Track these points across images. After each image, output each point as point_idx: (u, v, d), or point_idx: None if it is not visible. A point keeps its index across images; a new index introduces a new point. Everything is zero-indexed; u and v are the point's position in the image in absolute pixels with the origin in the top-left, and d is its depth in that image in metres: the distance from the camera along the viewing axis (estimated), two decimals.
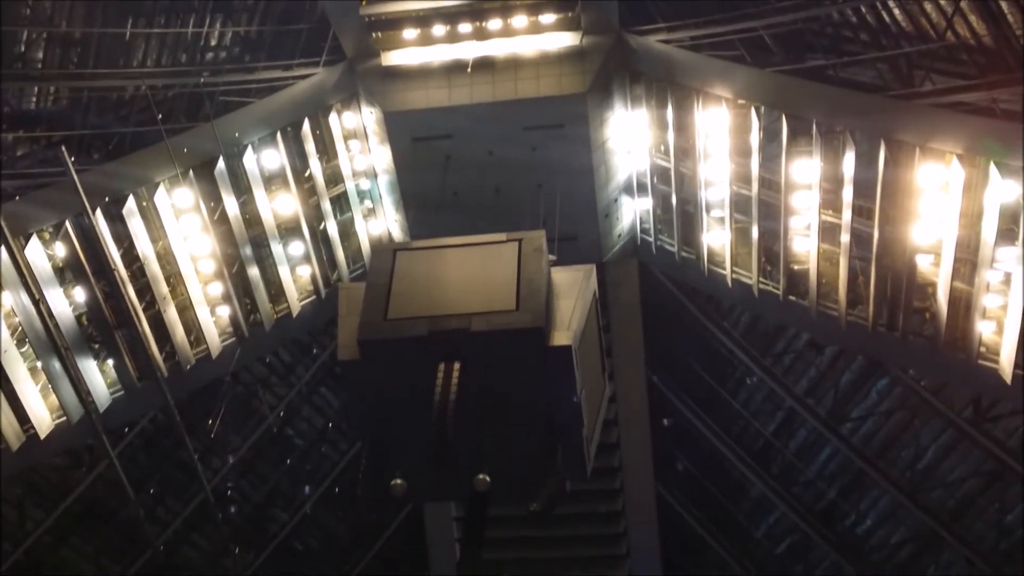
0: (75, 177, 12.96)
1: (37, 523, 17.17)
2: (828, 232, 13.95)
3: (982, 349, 13.05)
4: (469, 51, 14.73)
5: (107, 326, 14.26)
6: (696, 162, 14.82)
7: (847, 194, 13.39)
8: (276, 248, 15.37)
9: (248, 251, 15.13)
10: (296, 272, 15.79)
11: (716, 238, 15.35)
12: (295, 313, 15.77)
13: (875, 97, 13.33)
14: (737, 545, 18.81)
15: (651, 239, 16.21)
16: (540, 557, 17.48)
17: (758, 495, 18.40)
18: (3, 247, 13.09)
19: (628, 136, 15.52)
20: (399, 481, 6.96)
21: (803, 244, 14.31)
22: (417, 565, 18.18)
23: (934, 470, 16.87)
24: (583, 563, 18.09)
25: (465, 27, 14.73)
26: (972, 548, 16.63)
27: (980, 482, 16.63)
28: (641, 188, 16.03)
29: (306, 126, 15.31)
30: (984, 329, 12.99)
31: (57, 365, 14.01)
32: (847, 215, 13.49)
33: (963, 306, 13.08)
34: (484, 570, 7.91)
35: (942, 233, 12.80)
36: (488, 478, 6.85)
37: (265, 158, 15.12)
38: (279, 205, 15.41)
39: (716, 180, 14.85)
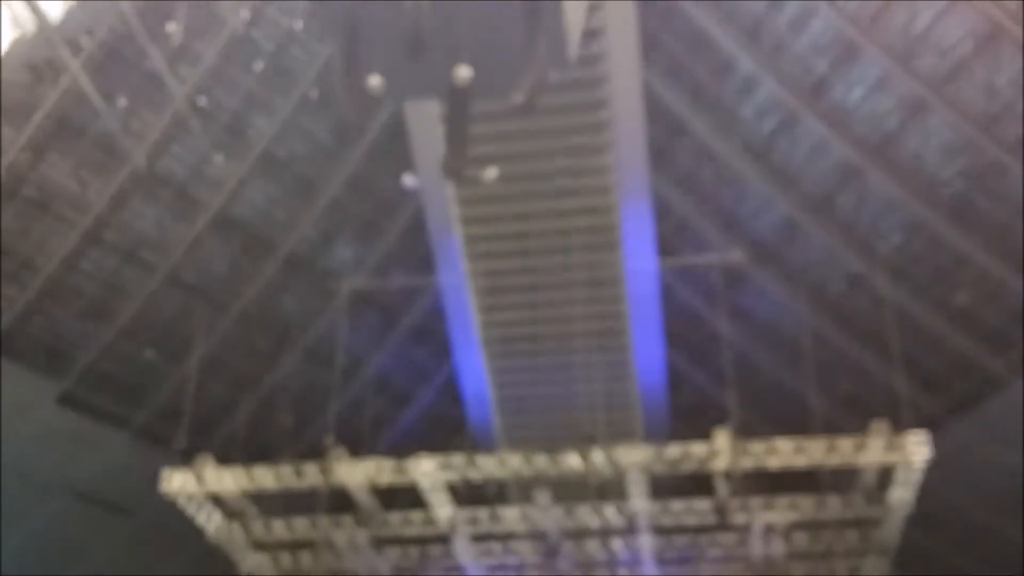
0: None
1: (11, 142, 16.96)
2: None
3: None
4: None
5: None
6: None
7: None
8: None
9: None
10: None
11: None
12: None
13: None
14: (724, 125, 18.71)
15: None
16: (524, 150, 17.36)
17: (746, 73, 18.00)
18: None
19: None
20: (377, 79, 6.63)
21: None
22: (402, 163, 18.10)
23: (928, 35, 16.38)
24: (567, 152, 17.98)
25: None
26: (960, 112, 16.61)
27: (974, 44, 16.21)
28: None
29: None
30: None
31: None
32: None
33: None
34: (469, 166, 7.74)
35: None
36: (468, 70, 6.48)
37: None
38: None
39: None
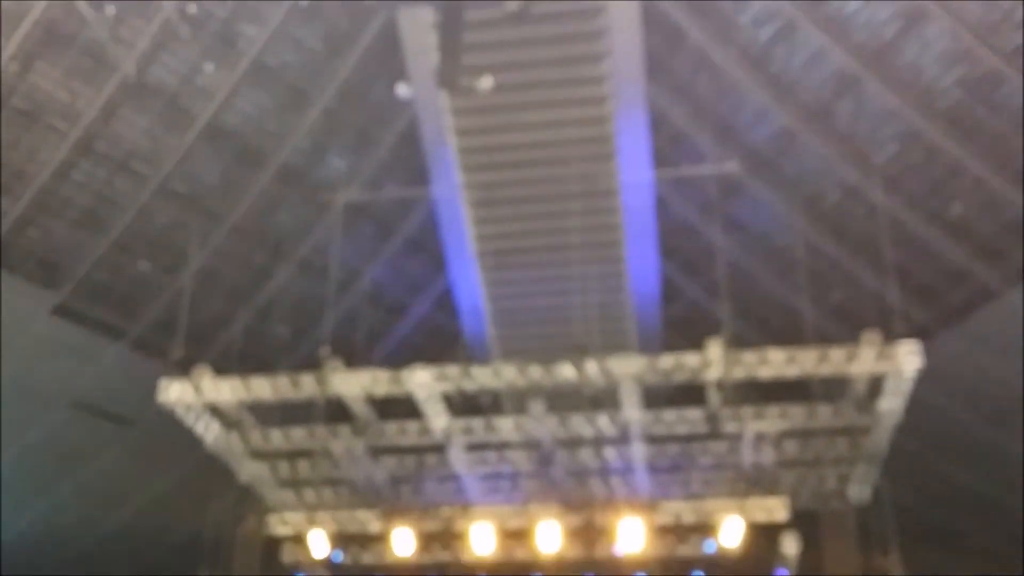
0: None
1: None
2: None
3: None
4: None
5: None
6: None
7: None
8: None
9: None
10: None
11: None
12: None
13: None
14: (721, 33, 18.45)
15: None
16: (519, 59, 17.11)
17: None
18: None
19: None
20: None
21: None
22: (395, 73, 17.89)
23: None
24: (562, 62, 17.73)
25: None
26: (959, 20, 16.41)
27: None
28: None
29: None
30: None
31: None
32: None
33: None
34: (463, 76, 7.66)
35: None
36: None
37: None
38: None
39: None
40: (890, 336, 16.42)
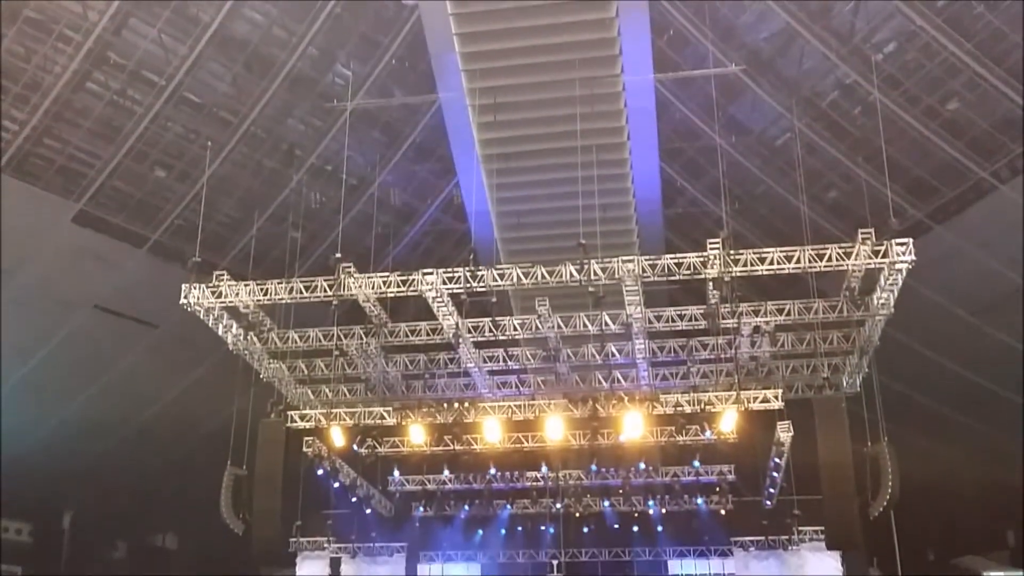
0: None
1: None
2: None
3: None
4: None
5: None
6: None
7: None
8: None
9: None
10: None
11: None
12: None
13: None
14: None
15: None
16: None
17: None
18: None
19: None
20: None
21: None
22: None
23: None
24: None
25: None
26: None
27: None
28: None
29: None
30: None
31: None
32: None
33: None
34: None
35: None
36: None
37: None
38: None
39: None
40: (886, 232, 16.91)
